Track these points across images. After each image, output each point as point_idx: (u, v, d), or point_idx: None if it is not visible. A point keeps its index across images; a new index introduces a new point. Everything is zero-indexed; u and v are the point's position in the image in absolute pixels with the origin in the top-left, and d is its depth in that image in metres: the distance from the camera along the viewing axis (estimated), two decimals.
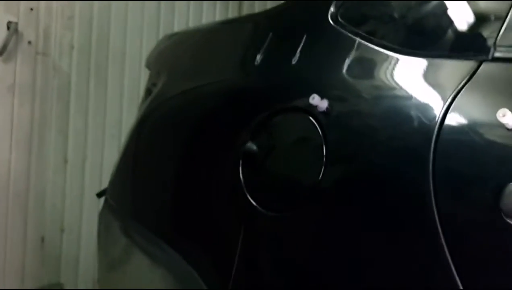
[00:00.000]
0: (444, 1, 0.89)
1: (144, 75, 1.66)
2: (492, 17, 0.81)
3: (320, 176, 0.84)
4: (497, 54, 0.73)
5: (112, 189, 1.46)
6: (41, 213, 2.53)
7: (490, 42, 0.75)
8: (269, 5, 3.25)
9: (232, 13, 3.18)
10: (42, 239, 2.54)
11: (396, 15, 0.95)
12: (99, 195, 1.99)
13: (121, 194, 1.40)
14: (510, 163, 0.65)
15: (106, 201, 1.48)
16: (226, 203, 1.01)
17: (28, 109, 2.43)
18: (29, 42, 2.40)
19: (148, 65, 1.64)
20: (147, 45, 2.63)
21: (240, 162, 0.97)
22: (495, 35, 0.75)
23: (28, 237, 2.49)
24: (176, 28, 2.90)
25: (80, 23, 2.57)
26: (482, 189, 0.66)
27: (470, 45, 0.79)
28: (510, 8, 0.76)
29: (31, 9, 2.39)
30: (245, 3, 3.23)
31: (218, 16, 3.15)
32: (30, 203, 2.49)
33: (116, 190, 1.43)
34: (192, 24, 3.02)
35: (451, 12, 0.86)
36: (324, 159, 0.85)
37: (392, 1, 0.97)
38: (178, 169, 1.18)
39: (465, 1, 0.86)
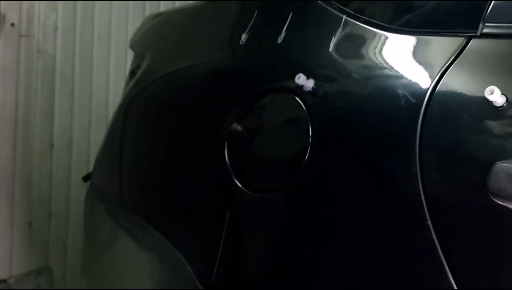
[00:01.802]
0: None
1: (130, 57, 1.64)
2: None
3: (306, 157, 0.83)
4: (485, 30, 0.72)
5: (97, 172, 1.44)
6: (28, 198, 2.51)
7: (478, 17, 0.73)
8: None
9: None
10: (30, 224, 2.52)
11: None
12: (85, 178, 1.97)
13: (106, 177, 1.38)
14: (497, 141, 0.64)
15: (91, 184, 1.46)
16: (211, 186, 1.00)
17: (12, 92, 2.40)
18: (12, 24, 2.36)
19: (132, 46, 1.61)
20: (133, 26, 2.59)
21: (226, 143, 0.95)
22: (484, 11, 0.74)
23: (15, 222, 2.47)
24: (162, 9, 2.86)
25: (64, 4, 2.52)
26: (470, 169, 0.65)
27: (459, 21, 0.77)
28: None
29: None
30: None
31: None
32: (16, 188, 2.46)
33: (101, 173, 1.41)
34: (179, 5, 2.98)
35: None
36: (310, 139, 0.84)
37: None
38: (164, 151, 1.17)
39: None
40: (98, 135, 2.56)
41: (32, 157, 2.50)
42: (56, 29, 2.51)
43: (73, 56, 2.58)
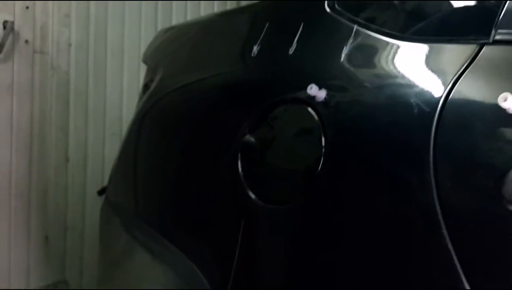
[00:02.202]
0: None
1: (143, 71, 1.65)
2: None
3: (320, 167, 0.83)
4: (498, 37, 0.72)
5: (112, 186, 1.45)
6: (44, 212, 2.52)
7: (490, 24, 0.73)
8: None
9: (230, 7, 3.16)
10: (46, 238, 2.54)
11: (394, 0, 0.93)
12: (100, 192, 1.98)
13: (121, 190, 1.39)
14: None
15: (106, 198, 1.46)
16: (225, 197, 1.00)
17: (27, 109, 2.42)
18: (26, 41, 2.39)
19: (145, 60, 1.63)
20: (146, 41, 2.61)
21: (239, 155, 0.95)
22: (496, 17, 0.73)
23: (31, 236, 2.49)
24: (174, 23, 2.88)
25: (77, 20, 2.55)
26: (484, 176, 0.65)
27: (471, 28, 0.77)
28: None
29: (27, 7, 2.38)
30: None
31: (216, 10, 3.13)
32: (32, 203, 2.48)
33: (116, 186, 1.42)
34: (190, 18, 3.00)
35: None
36: (323, 150, 0.83)
37: None
38: (177, 164, 1.17)
39: None
40: (112, 150, 2.58)
41: (47, 172, 2.52)
42: (69, 45, 2.54)
43: (87, 72, 2.61)
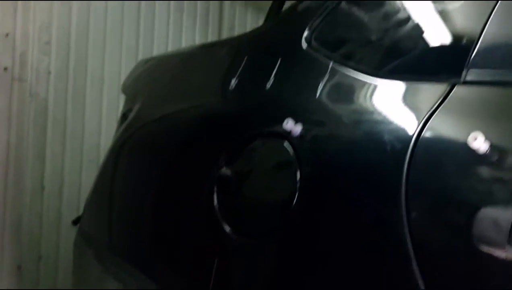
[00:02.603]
0: (420, 23, 0.89)
1: (122, 99, 1.65)
2: (466, 39, 0.81)
3: (294, 202, 0.83)
4: (469, 78, 0.73)
5: (86, 216, 1.43)
6: (18, 241, 2.48)
7: (462, 64, 0.75)
8: (249, 29, 3.25)
9: (212, 39, 3.19)
10: (19, 267, 2.49)
11: (370, 38, 0.95)
12: (75, 222, 1.95)
13: (95, 221, 1.37)
14: (482, 188, 0.65)
15: (80, 228, 1.45)
16: (200, 230, 0.99)
17: (4, 135, 2.40)
18: (5, 68, 2.38)
19: (124, 90, 1.63)
20: (126, 70, 2.61)
21: (215, 188, 0.95)
22: (467, 57, 0.75)
23: (4, 265, 2.43)
24: (155, 53, 2.90)
25: (58, 48, 2.55)
26: (455, 215, 0.66)
27: (443, 68, 0.79)
28: (482, 30, 0.76)
29: (7, 34, 2.37)
30: (225, 28, 3.24)
31: (198, 41, 3.15)
32: (6, 231, 2.43)
33: (90, 217, 1.40)
34: (171, 49, 3.02)
35: (425, 34, 0.86)
36: (298, 184, 0.84)
37: (367, 24, 0.98)
38: (153, 196, 1.16)
39: (441, 21, 0.86)
40: (89, 177, 2.55)
41: (23, 200, 2.48)
42: (49, 72, 2.53)
43: (65, 99, 2.60)
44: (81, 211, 2.04)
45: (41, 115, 2.52)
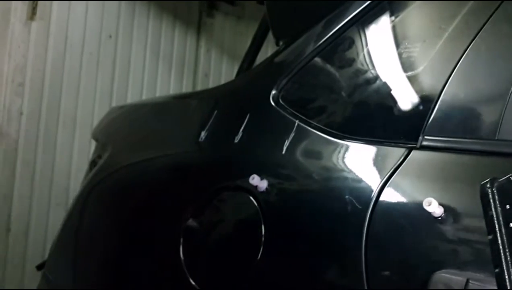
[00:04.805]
0: (384, 85, 0.92)
1: (93, 144, 1.66)
2: (423, 105, 0.85)
3: (259, 256, 0.85)
4: (424, 143, 0.77)
5: (50, 263, 1.41)
6: None
7: (418, 130, 0.78)
8: (224, 79, 3.30)
9: (186, 85, 3.22)
10: None
11: (335, 98, 0.98)
12: (39, 267, 1.92)
13: (59, 269, 1.35)
14: (437, 251, 0.67)
15: (44, 275, 1.42)
16: (166, 283, 1.00)
17: None
18: None
19: (95, 136, 1.63)
20: (99, 114, 2.62)
21: (181, 239, 0.96)
22: (424, 124, 0.79)
23: None
24: (130, 97, 2.91)
25: (31, 89, 2.55)
26: (410, 276, 0.68)
27: (401, 133, 0.82)
28: (437, 98, 0.80)
29: None
30: (200, 75, 3.28)
31: (173, 86, 3.18)
32: None
33: (54, 264, 1.39)
34: (146, 94, 3.04)
35: (388, 98, 0.90)
36: (263, 238, 0.85)
37: (334, 84, 1.01)
38: (118, 245, 1.16)
39: (405, 81, 0.89)
40: (56, 221, 2.51)
41: None
42: (21, 114, 2.52)
43: (36, 141, 2.58)
44: (46, 256, 2.00)
45: (10, 155, 2.50)
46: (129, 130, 1.44)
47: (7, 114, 2.48)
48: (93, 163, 1.47)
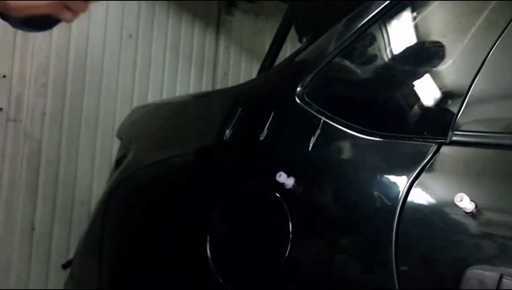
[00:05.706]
0: (410, 81, 0.92)
1: (116, 144, 1.67)
2: (452, 100, 0.84)
3: (287, 253, 0.85)
4: (454, 138, 0.76)
5: (77, 261, 1.43)
6: (5, 283, 2.44)
7: (448, 126, 0.78)
8: (243, 77, 3.29)
9: (206, 84, 3.23)
10: None
11: (361, 95, 0.98)
12: (65, 266, 1.94)
13: (86, 267, 1.37)
14: (469, 247, 0.67)
15: (70, 273, 1.44)
16: (193, 280, 1.00)
17: None
18: (1, 109, 2.40)
19: (119, 135, 1.65)
20: (121, 113, 2.64)
21: (208, 237, 0.97)
22: (453, 119, 0.78)
23: None
24: (151, 95, 2.93)
25: (54, 90, 2.57)
26: (443, 272, 0.67)
27: (431, 128, 0.82)
28: (466, 93, 0.80)
29: (4, 76, 2.40)
30: (219, 73, 3.28)
31: (192, 84, 3.19)
32: None
33: (81, 262, 1.40)
34: (166, 93, 3.05)
35: (414, 93, 0.89)
36: (291, 236, 0.85)
37: (358, 81, 1.01)
38: (145, 243, 1.17)
39: (431, 78, 0.89)
40: (79, 220, 2.54)
41: (12, 241, 2.46)
42: (44, 114, 2.55)
43: (59, 141, 2.61)
44: (70, 254, 2.03)
45: (34, 156, 2.53)
46: (153, 128, 1.45)
47: (30, 115, 2.50)
48: (118, 162, 1.48)
